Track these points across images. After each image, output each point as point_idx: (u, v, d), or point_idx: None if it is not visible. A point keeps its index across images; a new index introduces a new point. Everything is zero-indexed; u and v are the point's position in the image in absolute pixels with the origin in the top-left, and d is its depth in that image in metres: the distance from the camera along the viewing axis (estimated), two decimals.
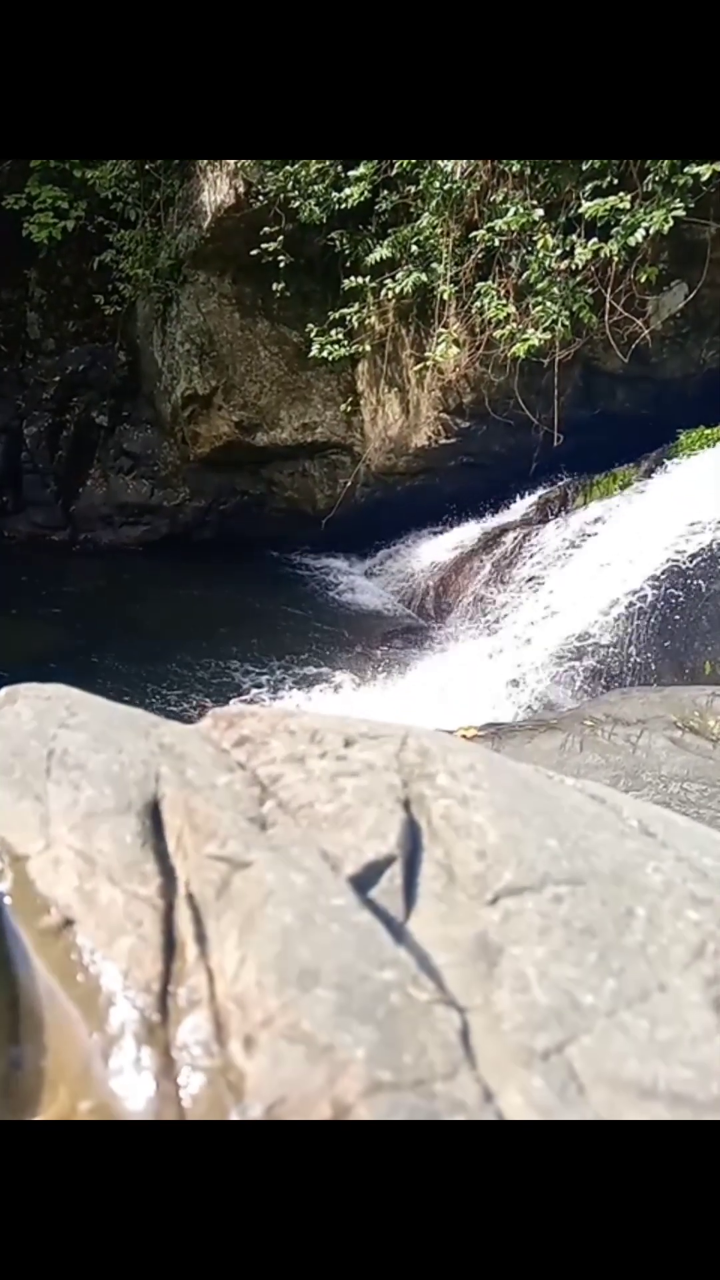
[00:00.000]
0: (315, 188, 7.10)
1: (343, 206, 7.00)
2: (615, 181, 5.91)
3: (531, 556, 6.85)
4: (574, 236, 6.19)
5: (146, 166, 8.38)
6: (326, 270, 7.77)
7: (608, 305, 6.33)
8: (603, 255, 6.01)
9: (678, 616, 5.38)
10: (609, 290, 6.28)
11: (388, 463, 8.39)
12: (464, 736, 4.15)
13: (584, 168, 6.04)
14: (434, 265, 6.91)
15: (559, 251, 6.22)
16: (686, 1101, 0.80)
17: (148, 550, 9.55)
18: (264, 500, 9.58)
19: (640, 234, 5.76)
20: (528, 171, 6.29)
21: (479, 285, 6.69)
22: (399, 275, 7.07)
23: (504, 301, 6.55)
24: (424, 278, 6.93)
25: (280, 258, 7.42)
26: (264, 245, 7.44)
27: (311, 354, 7.88)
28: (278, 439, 8.92)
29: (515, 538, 7.30)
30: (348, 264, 7.51)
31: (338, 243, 7.46)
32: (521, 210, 6.21)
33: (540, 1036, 0.84)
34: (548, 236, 6.19)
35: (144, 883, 0.97)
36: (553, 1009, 0.86)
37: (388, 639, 7.47)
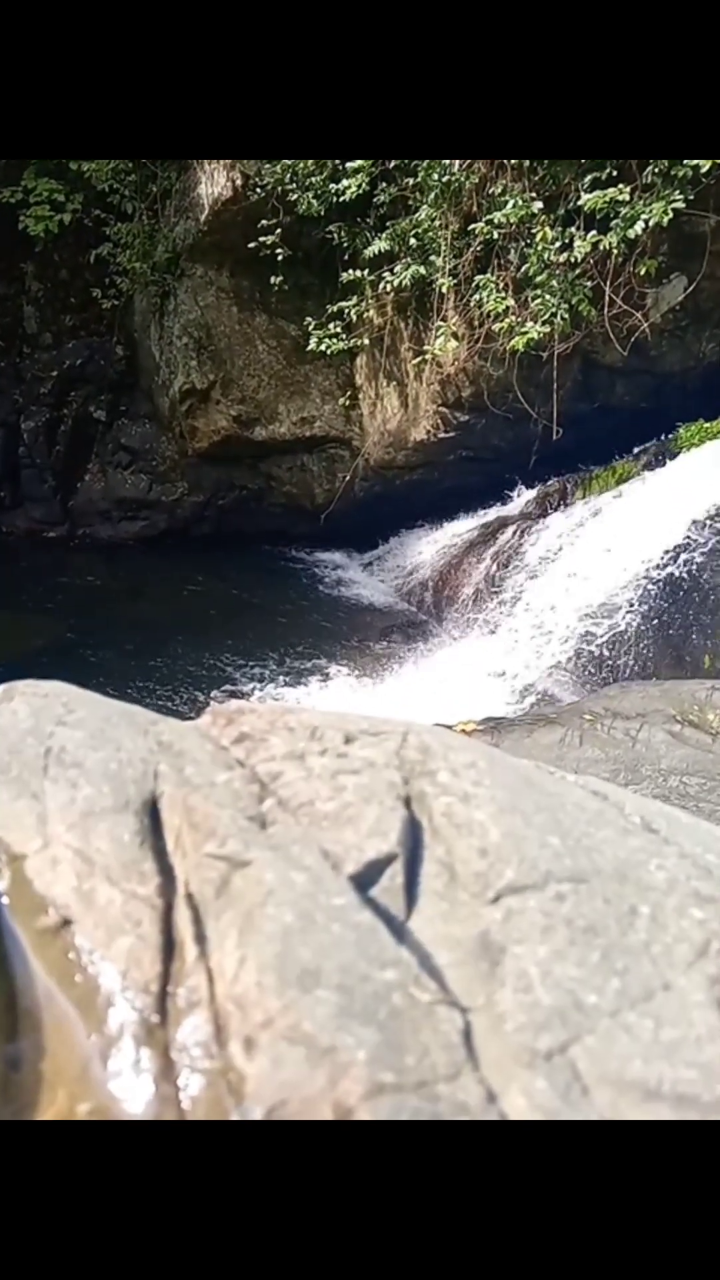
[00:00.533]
0: (313, 180, 7.06)
1: (341, 199, 6.97)
2: (615, 173, 5.88)
3: (531, 550, 6.83)
4: (573, 229, 6.16)
5: (143, 159, 8.34)
6: (325, 263, 7.73)
7: (607, 298, 6.31)
8: (602, 248, 5.98)
9: (677, 610, 5.38)
10: (608, 283, 6.25)
11: (386, 457, 8.37)
12: (463, 731, 4.15)
13: (583, 160, 6.01)
14: (432, 258, 6.88)
15: (558, 244, 6.19)
16: (691, 1103, 0.79)
17: (146, 545, 9.53)
18: (262, 495, 9.56)
19: (640, 226, 5.74)
20: (527, 164, 6.26)
21: (478, 278, 6.66)
22: (397, 268, 7.04)
23: (503, 294, 6.52)
24: (422, 271, 6.90)
25: (278, 251, 7.39)
26: (262, 238, 7.40)
27: (310, 347, 7.85)
28: (276, 433, 8.90)
29: (514, 532, 7.28)
30: (346, 257, 7.47)
31: (336, 236, 7.42)
32: (520, 203, 6.18)
33: (544, 1037, 0.83)
34: (547, 229, 6.16)
35: (143, 882, 0.96)
36: (556, 1009, 0.85)
37: (387, 634, 7.45)
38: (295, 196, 7.15)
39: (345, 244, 7.45)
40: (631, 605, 5.54)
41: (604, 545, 6.08)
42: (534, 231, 6.25)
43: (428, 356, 7.17)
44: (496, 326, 6.62)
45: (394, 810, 1.07)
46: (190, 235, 8.21)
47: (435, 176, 6.59)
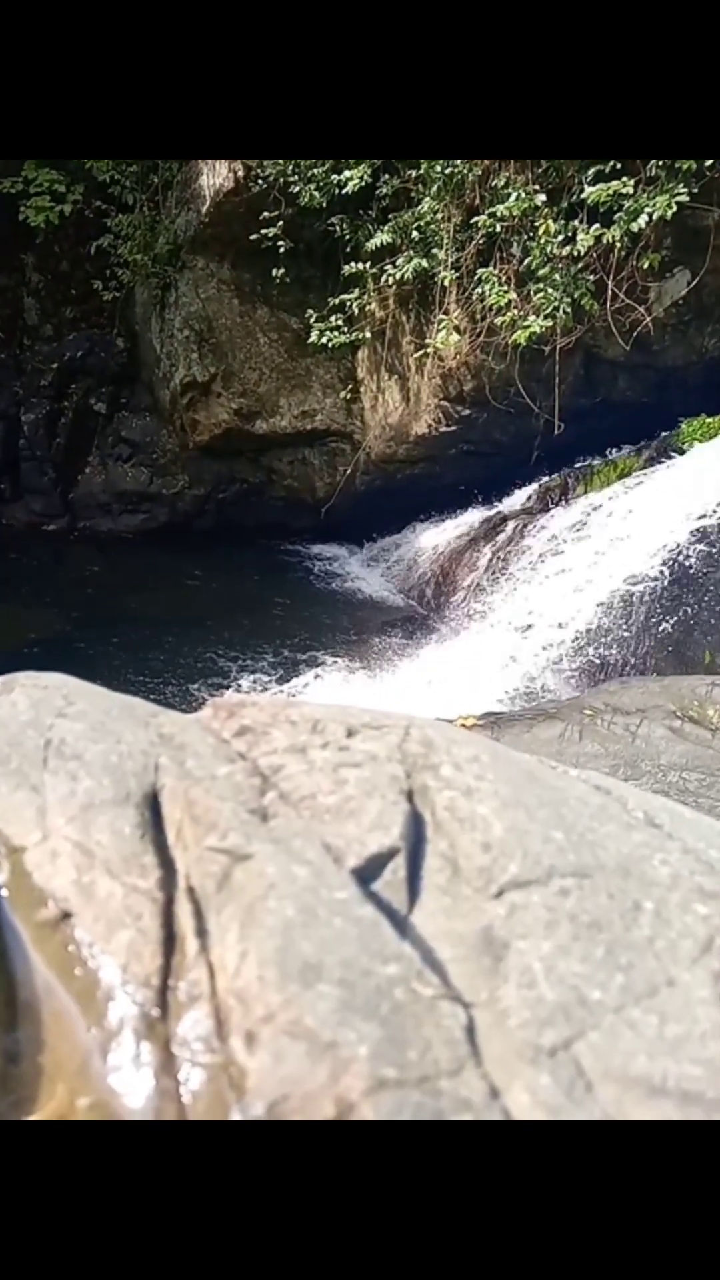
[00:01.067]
0: (315, 172, 7.04)
1: (343, 191, 6.94)
2: (618, 166, 5.86)
3: (532, 545, 6.82)
4: (576, 222, 6.14)
5: (146, 160, 8.31)
6: (326, 256, 7.71)
7: (609, 292, 6.29)
8: (605, 241, 5.96)
9: (678, 606, 5.37)
10: (611, 277, 6.23)
11: (388, 450, 8.35)
12: (463, 725, 4.14)
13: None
14: (435, 251, 6.86)
15: (561, 237, 6.17)
16: (696, 1100, 0.79)
17: (146, 538, 9.51)
18: (263, 488, 9.54)
19: (643, 220, 5.72)
20: None
21: (480, 271, 6.64)
22: (399, 261, 7.01)
23: (505, 288, 6.50)
24: (425, 264, 6.88)
25: (280, 243, 7.36)
26: (264, 230, 7.38)
27: (311, 341, 7.83)
28: (277, 426, 8.87)
29: (516, 526, 7.27)
30: (348, 250, 7.45)
31: (338, 228, 7.40)
32: (523, 195, 6.16)
33: (547, 1033, 0.82)
34: (549, 222, 6.14)
35: (143, 875, 0.95)
36: (560, 1005, 0.85)
37: (387, 628, 7.45)
38: (297, 189, 7.12)
39: (347, 236, 7.42)
40: (632, 601, 5.54)
41: (604, 541, 6.07)
42: (537, 225, 6.22)
43: (429, 350, 7.14)
44: (498, 320, 6.60)
45: (396, 804, 1.06)
46: (191, 227, 8.17)
47: (438, 169, 6.57)
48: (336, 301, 7.62)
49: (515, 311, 6.48)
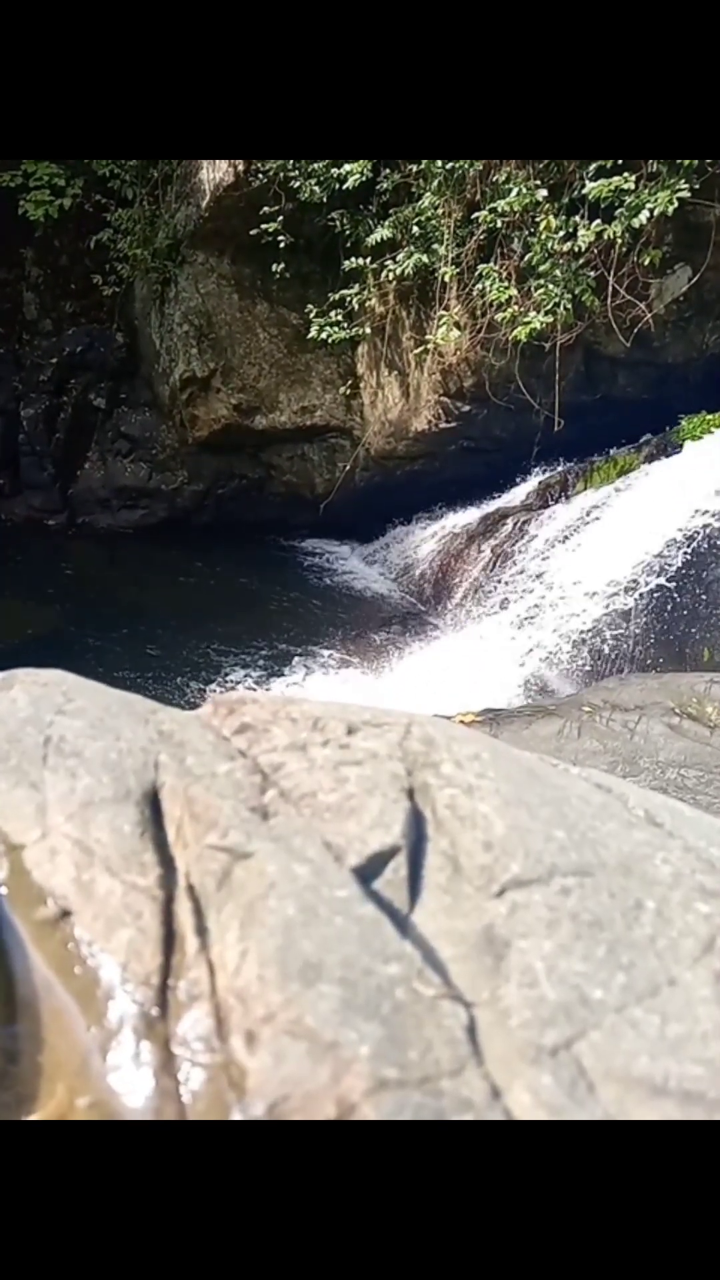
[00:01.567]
0: (315, 167, 7.01)
1: (343, 186, 6.92)
2: (619, 162, 5.83)
3: (531, 542, 6.81)
4: (577, 218, 6.12)
5: (147, 159, 8.28)
6: (326, 251, 7.68)
7: (610, 288, 6.27)
8: (606, 237, 5.94)
9: (677, 603, 5.37)
10: (612, 273, 6.22)
11: (387, 447, 8.34)
12: (462, 721, 4.14)
13: None
14: (435, 246, 6.83)
15: (562, 233, 6.15)
16: (698, 1100, 0.78)
17: (145, 534, 9.50)
18: (262, 484, 9.52)
19: (644, 215, 5.70)
20: None
21: (480, 267, 6.62)
22: (400, 256, 6.99)
23: (505, 284, 6.48)
24: (425, 259, 6.86)
25: (280, 238, 7.34)
26: (264, 225, 7.35)
27: (311, 336, 7.81)
28: (276, 422, 8.85)
29: (515, 523, 7.26)
30: (348, 245, 7.42)
31: (338, 223, 7.37)
32: (524, 191, 6.14)
33: (549, 1032, 0.82)
34: (550, 218, 6.12)
35: (143, 873, 0.95)
36: (561, 1004, 0.84)
37: (386, 624, 7.44)
38: (297, 183, 7.10)
39: (347, 231, 7.39)
40: (631, 597, 5.53)
41: (604, 538, 6.06)
42: (537, 220, 6.20)
43: (429, 346, 7.13)
44: (499, 316, 6.58)
45: (397, 802, 1.06)
46: (191, 221, 8.15)
47: (439, 165, 6.54)
48: (336, 297, 7.60)
49: (516, 307, 6.46)
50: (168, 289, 8.74)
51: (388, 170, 6.99)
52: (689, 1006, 0.87)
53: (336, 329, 7.64)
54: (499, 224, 6.38)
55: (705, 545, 5.41)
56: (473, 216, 6.56)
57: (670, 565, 5.46)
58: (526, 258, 6.38)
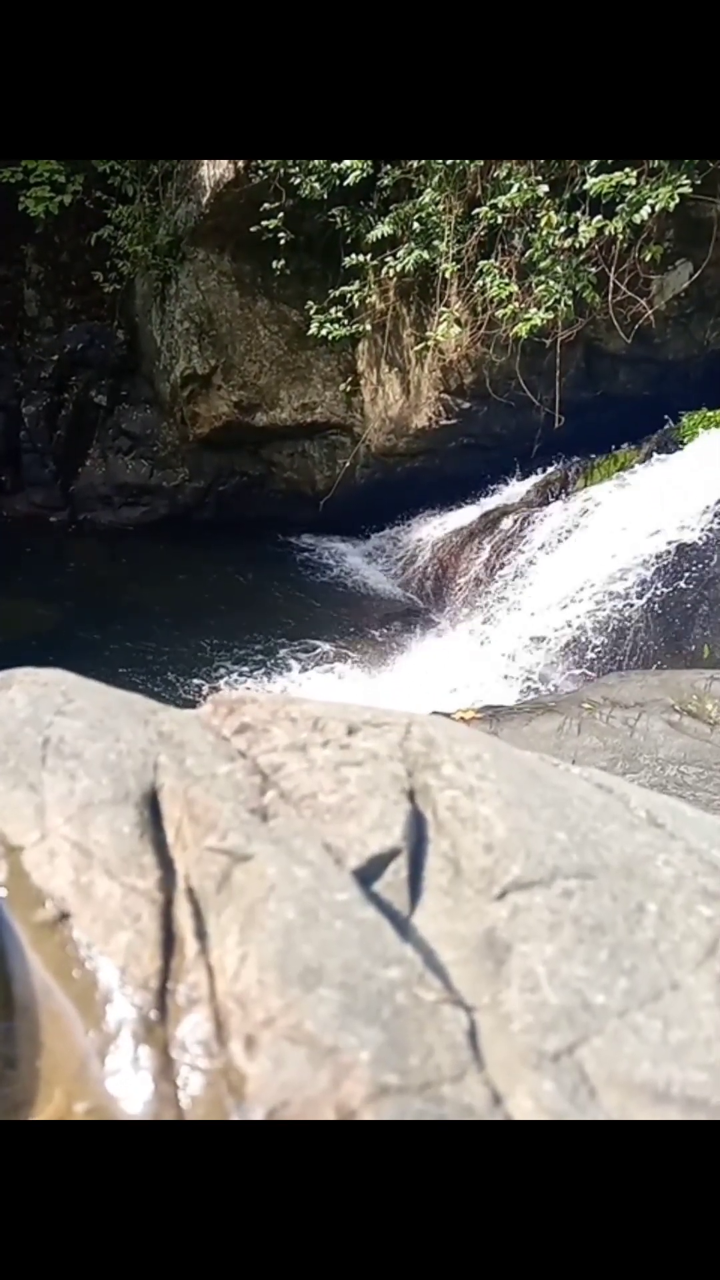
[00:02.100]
0: (316, 164, 6.99)
1: (344, 183, 6.90)
2: None
3: (531, 539, 6.80)
4: (578, 214, 6.10)
5: (146, 159, 8.25)
6: (327, 248, 7.66)
7: (611, 284, 6.25)
8: (607, 233, 5.92)
9: (677, 600, 5.36)
10: (613, 269, 6.20)
11: (388, 444, 8.32)
12: (462, 719, 4.14)
13: None
14: (436, 243, 6.81)
15: (563, 229, 6.13)
16: (701, 1106, 0.78)
17: (146, 531, 9.48)
18: (263, 481, 9.51)
19: (645, 211, 5.68)
20: None
21: (481, 263, 6.60)
22: (400, 253, 6.97)
23: (506, 280, 6.47)
24: (426, 255, 6.84)
25: (280, 235, 7.32)
26: (264, 222, 7.33)
27: (311, 333, 7.79)
28: (277, 419, 8.84)
29: (515, 520, 7.25)
30: (349, 241, 7.40)
31: (339, 219, 7.35)
32: (525, 186, 6.12)
33: (550, 1037, 0.81)
34: (551, 214, 6.10)
35: (142, 876, 0.94)
36: (563, 1009, 0.84)
37: (386, 621, 7.43)
38: (298, 180, 7.08)
39: (348, 228, 7.37)
40: (631, 594, 5.52)
41: (604, 535, 6.05)
42: (538, 216, 6.18)
43: (430, 343, 7.11)
44: (500, 313, 6.56)
45: (397, 803, 1.05)
46: (192, 218, 8.13)
47: (439, 160, 6.52)
48: (337, 293, 7.58)
49: (516, 304, 6.45)
50: (168, 286, 8.72)
51: (388, 166, 6.97)
52: (692, 1011, 0.86)
53: (337, 326, 7.62)
54: (500, 220, 6.36)
55: (705, 541, 5.40)
56: (473, 212, 6.54)
57: (670, 561, 5.45)
58: (527, 254, 6.36)
